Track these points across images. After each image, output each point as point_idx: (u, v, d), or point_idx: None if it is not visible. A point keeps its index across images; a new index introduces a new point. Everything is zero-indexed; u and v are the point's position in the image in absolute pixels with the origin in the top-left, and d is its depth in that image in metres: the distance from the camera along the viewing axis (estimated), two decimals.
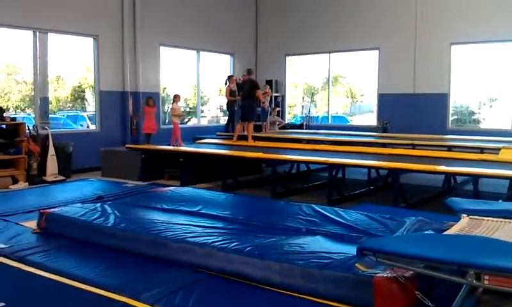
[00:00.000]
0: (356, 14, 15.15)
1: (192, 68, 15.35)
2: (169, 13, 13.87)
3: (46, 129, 10.78)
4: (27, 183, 9.86)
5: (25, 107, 12.29)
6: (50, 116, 11.64)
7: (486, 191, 7.98)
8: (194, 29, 14.69)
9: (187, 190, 7.69)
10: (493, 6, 12.91)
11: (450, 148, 10.36)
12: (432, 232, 4.56)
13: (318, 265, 3.96)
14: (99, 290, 4.09)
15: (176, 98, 11.57)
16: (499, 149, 9.20)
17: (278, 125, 14.92)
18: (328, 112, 16.65)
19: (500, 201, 6.12)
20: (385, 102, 14.76)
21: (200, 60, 15.38)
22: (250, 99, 11.87)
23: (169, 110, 14.16)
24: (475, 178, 7.50)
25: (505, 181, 7.97)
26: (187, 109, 15.89)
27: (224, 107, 14.80)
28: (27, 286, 4.35)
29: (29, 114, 11.84)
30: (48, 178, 10.23)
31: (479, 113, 14.75)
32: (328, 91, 16.50)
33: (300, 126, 16.07)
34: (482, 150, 9.76)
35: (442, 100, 13.84)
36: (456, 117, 14.65)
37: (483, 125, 14.39)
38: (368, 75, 15.83)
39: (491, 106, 14.53)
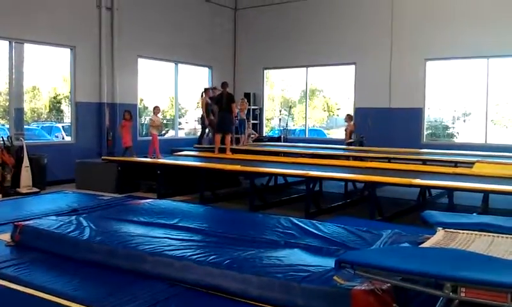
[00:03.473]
0: (333, 29, 15.33)
1: (170, 79, 15.31)
2: (147, 25, 13.82)
3: (20, 140, 10.61)
4: (0, 195, 9.67)
5: (0, 117, 12.07)
6: (24, 127, 11.47)
7: (461, 204, 8.09)
8: (172, 42, 14.66)
9: (164, 203, 7.64)
10: (467, 23, 13.19)
11: (425, 162, 10.50)
12: (408, 245, 4.61)
13: (296, 278, 3.97)
14: (74, 304, 4.03)
15: (156, 109, 11.57)
16: (473, 163, 9.34)
17: (252, 137, 15.01)
18: (305, 125, 16.75)
19: (474, 214, 6.22)
20: (361, 115, 14.91)
21: (178, 72, 15.35)
22: (228, 111, 11.89)
23: (146, 122, 14.08)
24: (450, 191, 7.60)
25: (479, 195, 8.08)
26: (164, 121, 15.83)
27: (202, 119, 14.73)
28: (1, 300, 4.27)
29: (3, 125, 11.64)
30: (22, 190, 10.07)
31: (453, 127, 14.99)
32: (306, 105, 16.62)
33: (278, 139, 16.12)
34: (456, 164, 9.89)
35: (417, 114, 14.06)
36: (430, 131, 14.87)
37: (457, 139, 14.63)
38: (345, 89, 16.00)
39: (464, 121, 14.78)
